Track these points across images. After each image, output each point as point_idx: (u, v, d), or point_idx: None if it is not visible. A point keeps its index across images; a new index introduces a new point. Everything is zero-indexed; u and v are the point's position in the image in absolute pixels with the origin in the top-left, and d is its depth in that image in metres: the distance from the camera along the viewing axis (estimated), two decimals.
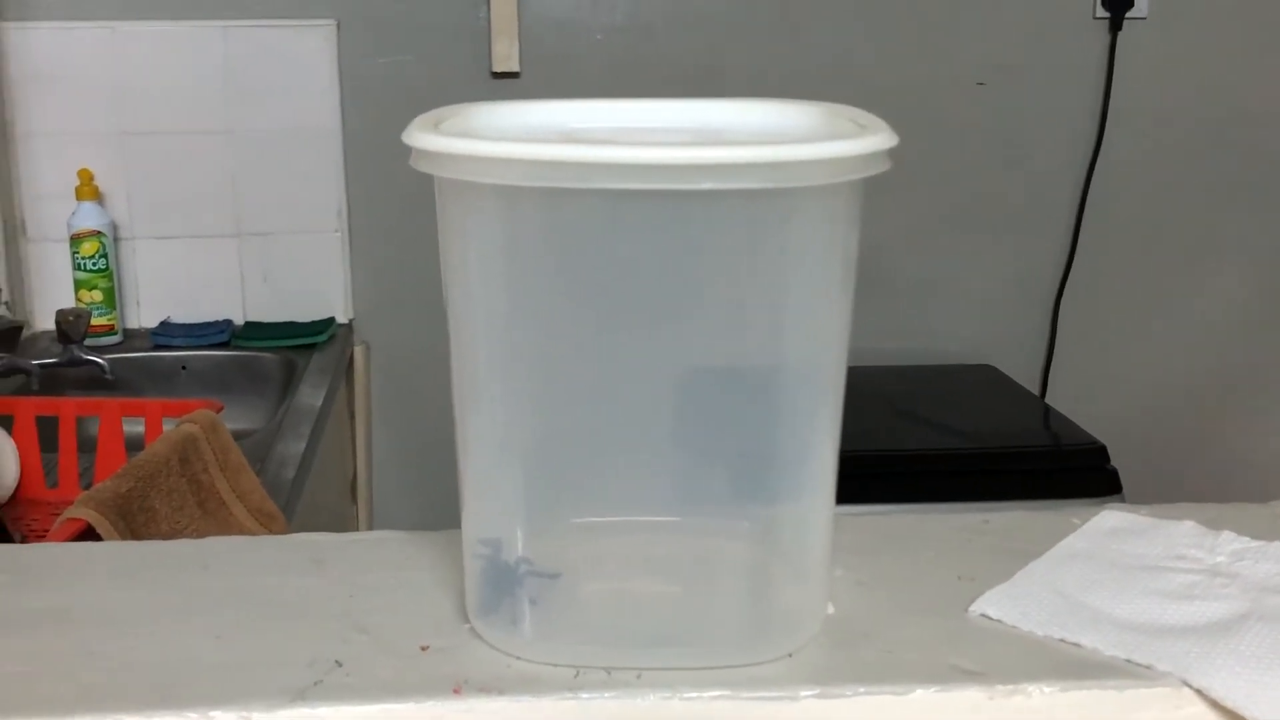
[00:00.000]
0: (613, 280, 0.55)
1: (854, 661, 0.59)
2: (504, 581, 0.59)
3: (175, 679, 0.56)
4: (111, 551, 0.74)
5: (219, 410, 1.46)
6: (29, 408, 1.51)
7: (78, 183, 2.10)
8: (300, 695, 0.54)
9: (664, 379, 0.57)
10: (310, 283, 2.25)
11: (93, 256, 2.11)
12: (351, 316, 2.27)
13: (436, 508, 2.24)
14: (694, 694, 0.56)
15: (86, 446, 1.55)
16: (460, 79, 2.20)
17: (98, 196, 2.12)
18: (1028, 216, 2.37)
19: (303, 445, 1.73)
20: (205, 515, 1.33)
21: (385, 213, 2.24)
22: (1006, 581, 0.66)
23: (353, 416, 2.28)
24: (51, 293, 2.16)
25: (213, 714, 0.53)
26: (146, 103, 2.15)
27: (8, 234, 2.11)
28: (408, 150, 0.56)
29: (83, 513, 1.14)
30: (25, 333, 2.11)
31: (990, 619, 0.63)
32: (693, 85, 2.22)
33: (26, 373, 1.84)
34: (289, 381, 2.05)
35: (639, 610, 0.61)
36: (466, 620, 0.61)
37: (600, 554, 0.61)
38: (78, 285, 2.12)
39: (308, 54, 2.17)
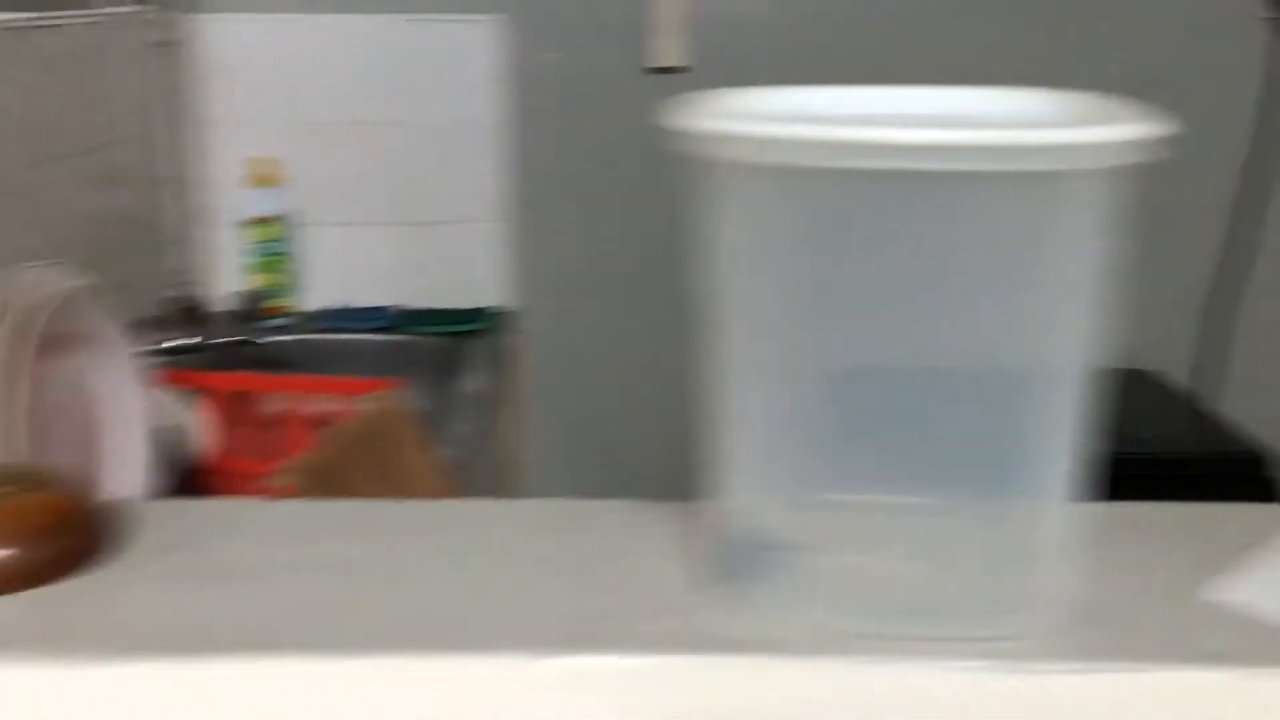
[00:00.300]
0: (880, 264, 0.56)
1: (1099, 642, 0.60)
2: (753, 550, 0.62)
3: (441, 626, 0.59)
4: (353, 509, 0.78)
5: (399, 390, 1.51)
6: (221, 383, 1.58)
7: (256, 169, 2.19)
8: (568, 644, 0.57)
9: (921, 365, 0.59)
10: (471, 272, 2.30)
11: (268, 242, 2.19)
12: (510, 306, 2.32)
13: (599, 497, 2.28)
14: (944, 663, 0.57)
15: (267, 423, 1.61)
16: (627, 74, 2.23)
17: (275, 183, 2.20)
18: (1181, 219, 2.33)
19: (464, 431, 1.78)
20: (390, 490, 1.38)
21: (547, 204, 2.28)
22: (1240, 569, 0.67)
23: (511, 406, 2.33)
24: (229, 276, 2.24)
25: (483, 659, 0.57)
26: (321, 93, 2.22)
27: (190, 219, 2.20)
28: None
29: (287, 481, 1.20)
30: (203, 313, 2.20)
31: (1228, 605, 0.64)
32: (865, 77, 2.22)
33: (208, 351, 1.92)
34: (450, 369, 2.11)
35: (884, 585, 0.62)
36: (713, 586, 0.63)
37: (847, 529, 0.63)
38: (253, 269, 2.20)
39: (474, 48, 2.23)
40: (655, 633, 0.59)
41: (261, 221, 2.18)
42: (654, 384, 2.34)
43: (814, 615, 0.61)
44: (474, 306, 2.29)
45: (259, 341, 2.01)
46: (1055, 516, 0.62)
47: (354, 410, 1.41)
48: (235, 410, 1.59)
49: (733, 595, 0.63)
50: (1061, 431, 0.60)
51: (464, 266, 2.31)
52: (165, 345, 1.91)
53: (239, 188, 2.21)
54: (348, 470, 1.29)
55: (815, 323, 0.59)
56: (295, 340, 2.16)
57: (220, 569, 0.63)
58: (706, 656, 0.57)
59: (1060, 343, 0.59)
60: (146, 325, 1.92)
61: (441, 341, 2.18)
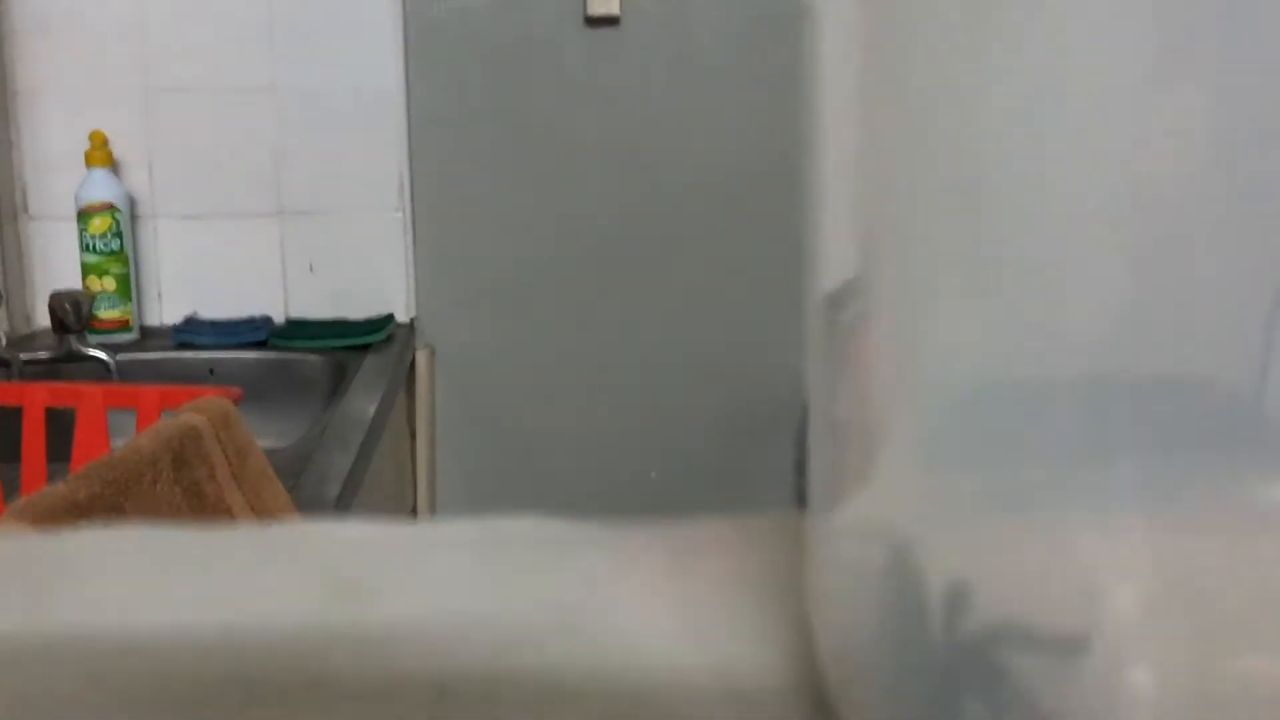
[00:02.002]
0: None
1: None
2: (939, 651, 0.19)
3: None
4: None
5: (236, 400, 1.07)
6: None
7: (91, 147, 1.75)
8: None
9: None
10: (365, 273, 1.87)
11: (104, 235, 1.74)
12: (414, 315, 1.89)
13: None
14: None
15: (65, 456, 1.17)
16: (548, 26, 1.82)
17: (111, 164, 1.76)
18: None
19: (350, 459, 1.35)
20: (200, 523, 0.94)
21: (455, 191, 1.86)
22: None
23: (413, 434, 1.89)
24: (57, 280, 1.79)
25: None
26: (173, 53, 1.79)
27: (4, 208, 1.75)
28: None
29: (12, 527, 0.76)
30: (24, 328, 1.75)
31: None
32: None
33: (7, 365, 1.47)
34: (337, 390, 1.68)
35: None
36: None
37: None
38: (86, 270, 1.75)
39: None
40: None
41: (99, 210, 1.74)
42: (582, 409, 1.91)
43: None
44: (374, 316, 1.86)
45: (85, 356, 1.57)
46: None
47: (153, 426, 0.97)
48: (16, 440, 1.14)
49: None
50: None
51: (362, 268, 1.87)
52: None
53: (74, 170, 1.76)
54: (127, 510, 0.85)
55: None
56: (141, 359, 1.71)
57: None
58: None
59: None
60: None
61: (332, 359, 1.75)
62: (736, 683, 0.23)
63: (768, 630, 0.24)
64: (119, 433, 1.18)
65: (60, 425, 1.26)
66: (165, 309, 1.84)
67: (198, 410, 1.00)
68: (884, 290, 0.22)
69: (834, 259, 0.23)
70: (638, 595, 0.24)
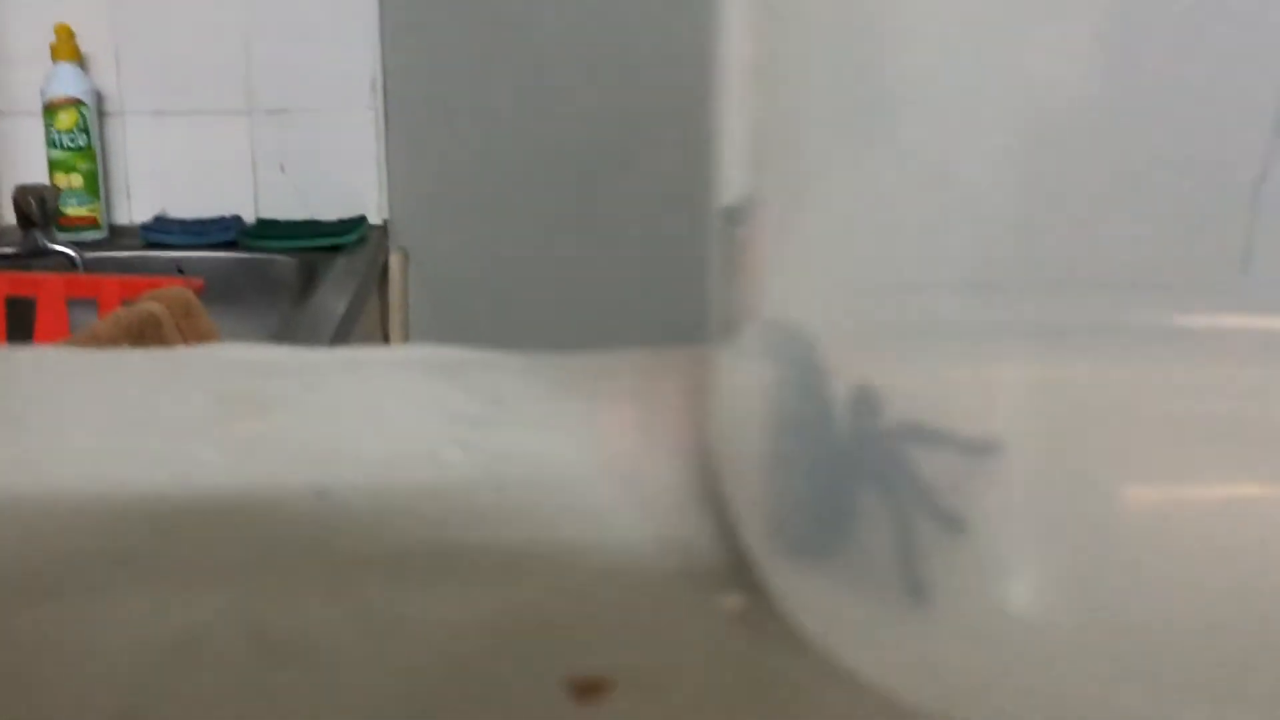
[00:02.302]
0: None
1: None
2: (842, 445, 0.18)
3: None
4: None
5: (198, 291, 1.07)
6: None
7: (59, 40, 1.71)
8: None
9: None
10: (337, 173, 1.84)
11: (71, 131, 1.71)
12: (387, 216, 1.87)
13: None
14: None
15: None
16: None
17: (79, 58, 1.73)
18: None
19: None
20: None
21: (429, 89, 1.83)
22: None
23: (386, 339, 1.88)
24: (24, 178, 1.77)
25: None
26: None
27: None
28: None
29: None
30: None
31: None
32: None
33: None
34: (308, 291, 1.67)
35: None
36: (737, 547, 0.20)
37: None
38: (53, 167, 1.73)
39: None
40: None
41: (66, 105, 1.71)
42: (557, 313, 1.90)
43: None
44: (346, 217, 1.84)
45: (50, 250, 1.55)
46: None
47: (112, 314, 0.96)
48: None
49: (800, 589, 0.19)
50: None
51: (334, 167, 1.85)
52: None
53: (39, 64, 1.73)
54: None
55: None
56: (108, 257, 1.69)
57: None
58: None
59: None
60: None
61: (303, 259, 1.74)
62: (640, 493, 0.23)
63: (672, 451, 0.24)
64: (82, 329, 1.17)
65: (24, 324, 1.25)
66: (134, 207, 1.82)
67: (157, 299, 0.99)
68: (776, 202, 0.21)
69: (731, 172, 0.23)
70: (544, 416, 0.24)
